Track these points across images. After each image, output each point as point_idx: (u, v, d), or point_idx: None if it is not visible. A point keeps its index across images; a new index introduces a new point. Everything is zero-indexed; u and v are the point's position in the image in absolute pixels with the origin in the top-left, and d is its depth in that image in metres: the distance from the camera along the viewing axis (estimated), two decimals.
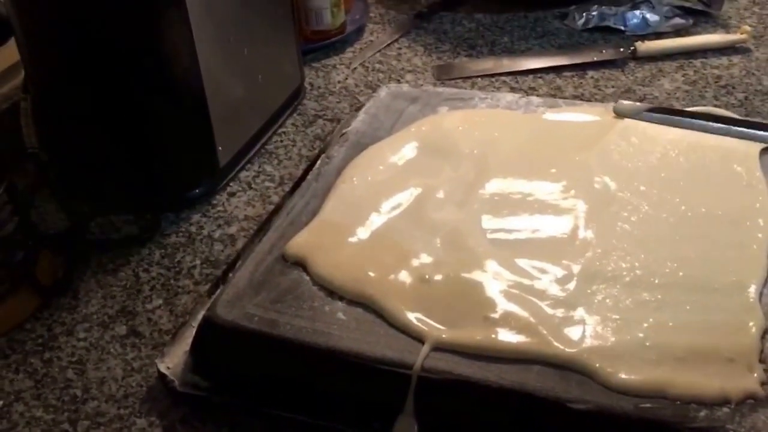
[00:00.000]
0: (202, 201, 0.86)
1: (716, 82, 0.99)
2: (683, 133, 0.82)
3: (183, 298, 0.75)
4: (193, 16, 0.76)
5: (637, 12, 1.11)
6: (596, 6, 1.13)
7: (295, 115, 0.98)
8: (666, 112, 0.85)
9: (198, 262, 0.79)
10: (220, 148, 0.84)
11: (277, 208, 0.80)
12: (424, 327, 0.62)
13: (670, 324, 0.61)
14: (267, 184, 0.88)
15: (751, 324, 0.60)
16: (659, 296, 0.63)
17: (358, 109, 0.94)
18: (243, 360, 0.64)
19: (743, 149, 0.79)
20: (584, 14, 1.12)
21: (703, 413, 0.55)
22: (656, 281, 0.65)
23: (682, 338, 0.60)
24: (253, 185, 0.88)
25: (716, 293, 0.64)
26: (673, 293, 0.64)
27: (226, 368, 0.64)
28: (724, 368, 0.57)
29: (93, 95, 0.79)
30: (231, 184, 0.88)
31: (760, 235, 0.69)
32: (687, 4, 1.12)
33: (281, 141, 0.94)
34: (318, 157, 0.86)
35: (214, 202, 0.86)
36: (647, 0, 1.12)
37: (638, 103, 0.86)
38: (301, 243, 0.71)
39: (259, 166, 0.90)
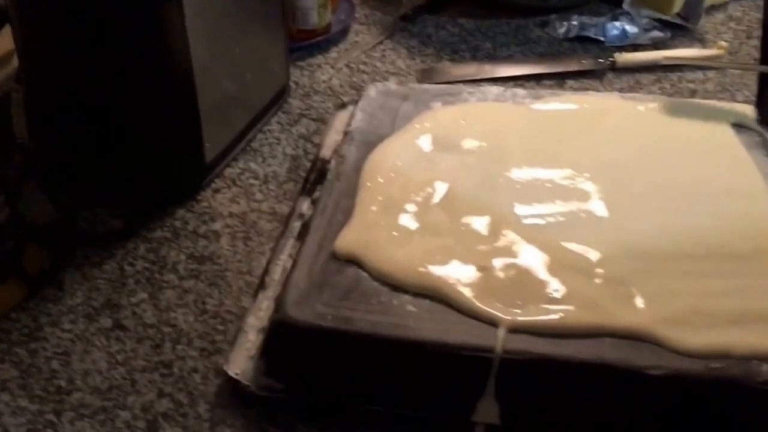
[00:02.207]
0: (187, 196, 0.87)
1: (691, 96, 1.02)
2: (666, 119, 0.87)
3: (167, 292, 0.76)
4: (189, 13, 0.77)
5: (617, 23, 1.13)
6: (577, 16, 1.15)
7: (280, 113, 0.99)
8: None
9: (183, 257, 0.80)
10: (207, 144, 0.85)
11: (292, 212, 0.82)
12: (496, 312, 0.63)
13: (716, 290, 0.65)
14: (251, 181, 0.89)
15: None
16: (697, 267, 0.68)
17: (340, 108, 0.96)
18: (321, 358, 0.64)
19: (715, 127, 0.85)
20: (565, 23, 1.15)
21: (765, 367, 0.59)
22: (690, 253, 0.69)
23: (732, 303, 0.64)
24: (237, 182, 0.89)
25: (742, 260, 0.68)
26: (707, 264, 0.68)
27: (303, 368, 0.65)
28: None
29: (86, 88, 0.80)
30: (216, 180, 0.89)
31: (762, 203, 0.75)
32: (665, 18, 1.15)
33: (266, 139, 0.95)
34: (316, 158, 0.87)
35: (199, 198, 0.87)
36: (627, 12, 1.15)
37: None
38: (350, 240, 0.71)
39: (244, 164, 0.92)
